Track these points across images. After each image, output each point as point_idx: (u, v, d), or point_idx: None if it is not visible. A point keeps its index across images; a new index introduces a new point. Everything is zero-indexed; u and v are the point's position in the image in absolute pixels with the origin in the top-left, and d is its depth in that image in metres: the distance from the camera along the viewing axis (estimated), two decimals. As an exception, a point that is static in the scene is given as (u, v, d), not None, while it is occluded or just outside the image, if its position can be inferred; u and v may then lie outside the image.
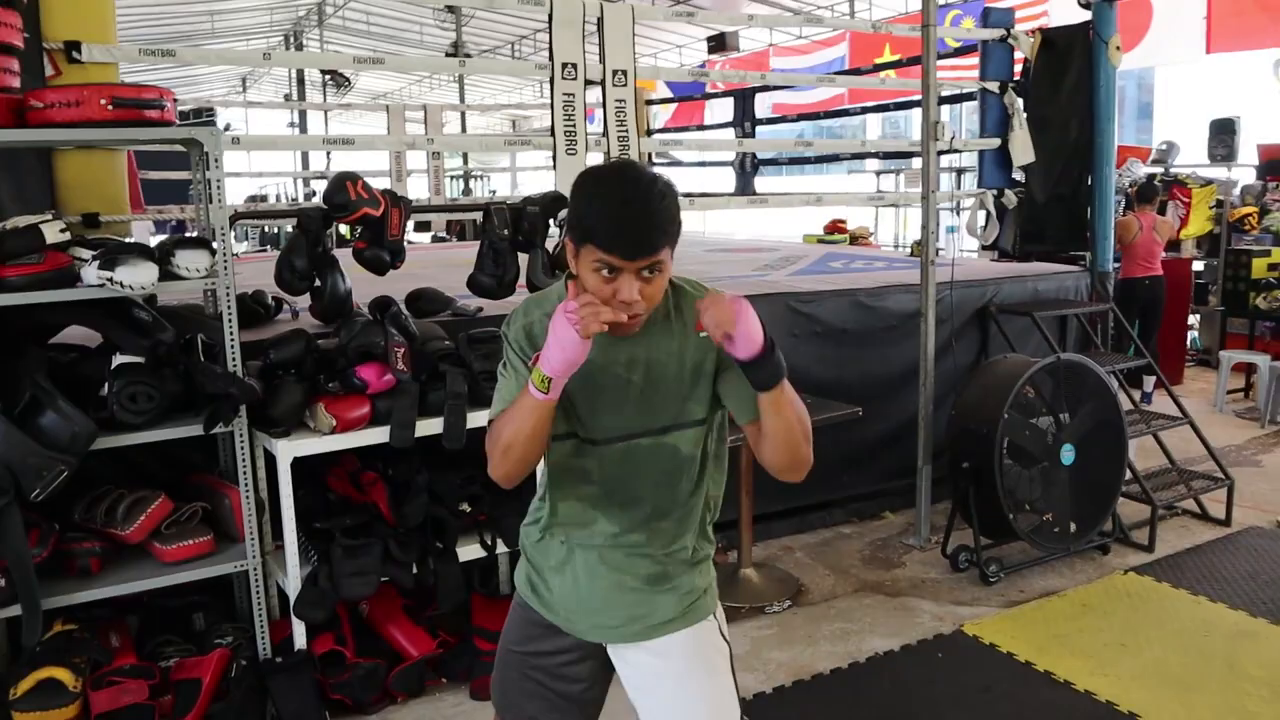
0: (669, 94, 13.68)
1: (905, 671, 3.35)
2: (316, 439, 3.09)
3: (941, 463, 4.34)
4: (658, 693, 1.80)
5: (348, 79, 19.00)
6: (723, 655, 1.87)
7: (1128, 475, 4.33)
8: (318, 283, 3.33)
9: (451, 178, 14.24)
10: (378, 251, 3.33)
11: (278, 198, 16.25)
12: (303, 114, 18.09)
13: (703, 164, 10.36)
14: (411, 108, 14.99)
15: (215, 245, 2.91)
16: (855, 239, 8.28)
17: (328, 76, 18.00)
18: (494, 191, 16.59)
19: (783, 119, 9.27)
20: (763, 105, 11.39)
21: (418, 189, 12.16)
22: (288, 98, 19.13)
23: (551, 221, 3.82)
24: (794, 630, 3.69)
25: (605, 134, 4.51)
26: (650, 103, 10.27)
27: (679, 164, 11.38)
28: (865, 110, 8.66)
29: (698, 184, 11.16)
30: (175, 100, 2.82)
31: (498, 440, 1.66)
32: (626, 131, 4.50)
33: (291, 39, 18.38)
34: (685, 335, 1.71)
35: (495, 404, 1.73)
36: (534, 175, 12.94)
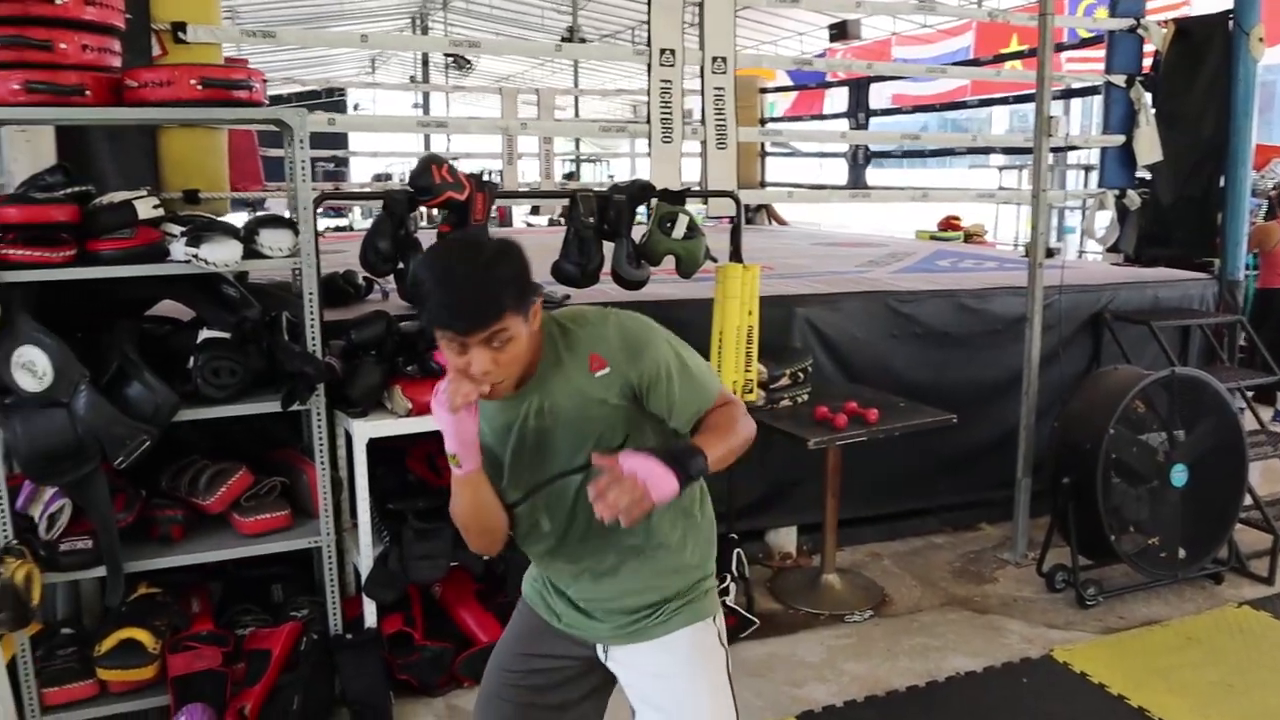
0: (789, 82, 13.43)
1: (986, 695, 3.18)
2: (392, 420, 3.11)
3: (1043, 476, 4.12)
4: (654, 689, 1.82)
5: (469, 62, 19.35)
6: (719, 658, 1.86)
7: (1247, 500, 4.02)
8: (401, 265, 3.34)
9: (576, 161, 14.36)
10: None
11: (401, 178, 16.67)
12: (426, 95, 18.51)
13: (822, 155, 10.11)
14: (531, 92, 15.11)
15: (299, 225, 2.94)
16: (970, 237, 7.94)
17: (450, 59, 18.38)
18: (612, 176, 16.61)
19: (899, 110, 8.96)
20: (883, 96, 11.08)
21: (531, 173, 12.28)
22: (413, 79, 19.62)
23: (641, 209, 3.76)
24: (873, 642, 3.55)
25: (703, 121, 4.42)
26: (765, 91, 10.06)
27: (797, 154, 11.14)
28: (983, 103, 8.30)
29: (811, 175, 10.93)
30: (265, 81, 2.87)
31: (459, 523, 1.74)
32: (724, 119, 4.40)
33: (417, 21, 18.76)
34: (581, 373, 1.69)
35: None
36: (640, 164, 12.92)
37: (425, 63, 18.34)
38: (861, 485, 4.32)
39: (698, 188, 4.38)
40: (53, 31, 2.66)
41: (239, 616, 3.18)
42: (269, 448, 3.42)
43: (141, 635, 2.90)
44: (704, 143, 4.42)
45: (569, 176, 13.39)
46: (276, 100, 18.67)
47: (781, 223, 9.38)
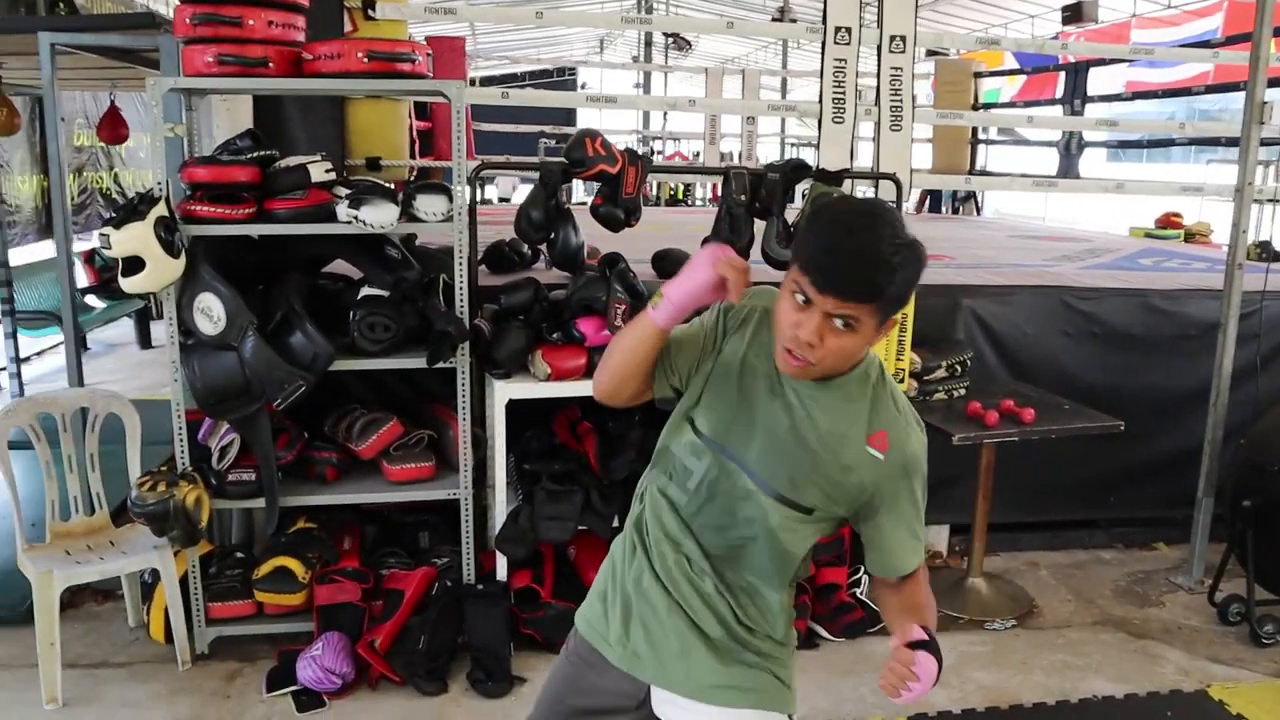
0: (1016, 65, 12.72)
1: (1122, 722, 2.97)
2: (532, 384, 3.23)
3: (1226, 497, 3.76)
4: None
5: (688, 43, 19.51)
6: None
7: None
8: (552, 235, 3.45)
9: (795, 145, 14.23)
10: (613, 209, 3.39)
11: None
12: (646, 75, 18.83)
13: (1049, 144, 9.55)
14: (768, 72, 15.04)
15: (454, 191, 3.10)
16: (1191, 236, 7.26)
17: (670, 39, 18.61)
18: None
19: (1117, 97, 8.30)
20: (1116, 81, 10.30)
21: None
22: (635, 59, 20.01)
23: (800, 187, 3.71)
24: (1009, 653, 3.38)
25: (877, 102, 4.28)
26: (979, 75, 9.59)
27: (1025, 142, 10.57)
28: (1209, 90, 7.53)
29: (1017, 164, 10.36)
30: (430, 55, 3.01)
31: (608, 358, 1.61)
32: (900, 101, 4.25)
33: (642, 3, 19.07)
34: (861, 430, 1.52)
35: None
36: (865, 145, 12.60)
37: (648, 43, 18.69)
38: (1023, 489, 4.11)
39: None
40: (243, 9, 2.91)
41: (384, 558, 3.41)
42: (426, 402, 3.64)
43: (294, 565, 3.16)
44: (877, 124, 4.28)
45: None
46: (510, 79, 19.58)
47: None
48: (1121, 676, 3.22)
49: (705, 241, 3.59)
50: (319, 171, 3.04)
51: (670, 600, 1.63)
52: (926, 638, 1.47)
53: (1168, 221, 7.56)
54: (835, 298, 1.37)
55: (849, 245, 1.37)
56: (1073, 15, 11.26)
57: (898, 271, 1.38)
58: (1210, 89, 7.54)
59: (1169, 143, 7.08)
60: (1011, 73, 11.49)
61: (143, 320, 7.42)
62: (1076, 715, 2.99)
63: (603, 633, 1.69)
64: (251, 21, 2.91)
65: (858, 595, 3.53)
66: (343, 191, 3.06)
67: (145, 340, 7.42)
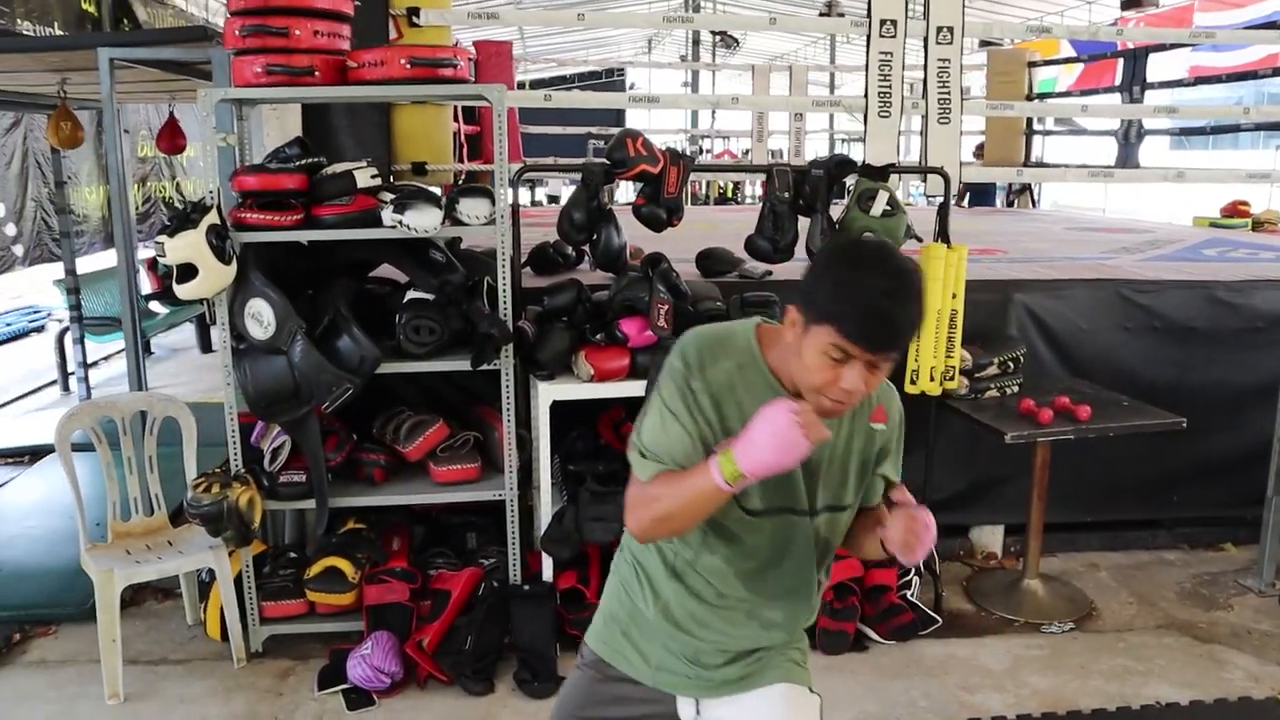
0: (1073, 53, 12.43)
1: (1184, 729, 2.88)
2: (576, 385, 3.24)
3: (1296, 496, 3.64)
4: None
5: (736, 39, 19.44)
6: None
7: None
8: (595, 236, 3.45)
9: (845, 140, 14.09)
10: (655, 209, 3.38)
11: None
12: (695, 74, 18.80)
13: (1107, 133, 9.31)
14: (816, 68, 14.93)
15: (496, 195, 3.12)
16: (1260, 225, 7.02)
17: (717, 37, 18.56)
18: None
19: (1178, 83, 8.04)
20: (1180, 67, 10.00)
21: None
22: (683, 58, 19.99)
23: (848, 182, 3.66)
24: (1067, 657, 3.30)
25: (925, 95, 4.21)
26: (1033, 65, 9.39)
27: (1082, 132, 10.30)
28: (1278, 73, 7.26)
29: (1076, 155, 10.12)
30: (472, 60, 3.03)
31: (654, 506, 1.53)
32: (948, 93, 4.17)
33: (689, 1, 19.03)
34: (864, 419, 1.65)
35: (652, 456, 1.56)
36: (913, 139, 12.44)
37: (696, 42, 18.67)
38: (1081, 488, 4.01)
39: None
40: (289, 19, 2.96)
41: (432, 558, 3.44)
42: (471, 404, 3.67)
43: (344, 565, 3.21)
44: (925, 117, 4.21)
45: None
46: (559, 81, 19.69)
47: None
48: (1186, 682, 3.12)
49: (748, 240, 3.58)
50: (364, 177, 3.08)
51: (719, 635, 1.71)
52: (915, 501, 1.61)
53: (1234, 210, 7.32)
54: (884, 352, 1.45)
55: (891, 310, 1.42)
56: (1131, 0, 10.97)
57: (924, 308, 1.47)
58: (1279, 71, 7.29)
59: (1234, 128, 6.86)
60: (1067, 61, 11.22)
61: (204, 325, 7.60)
62: (1136, 721, 2.91)
63: (631, 659, 1.76)
64: (298, 32, 2.96)
65: (908, 597, 3.47)
66: (387, 196, 3.10)
67: (206, 345, 7.61)
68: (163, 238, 2.87)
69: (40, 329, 9.23)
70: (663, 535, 1.62)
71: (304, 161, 3.09)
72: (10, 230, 7.19)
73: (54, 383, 6.79)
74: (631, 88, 23.02)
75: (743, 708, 1.72)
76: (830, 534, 1.69)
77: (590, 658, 1.83)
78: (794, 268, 3.68)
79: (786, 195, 3.47)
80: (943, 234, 3.55)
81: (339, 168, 3.09)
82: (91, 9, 6.77)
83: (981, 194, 9.67)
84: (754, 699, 1.72)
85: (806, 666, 1.80)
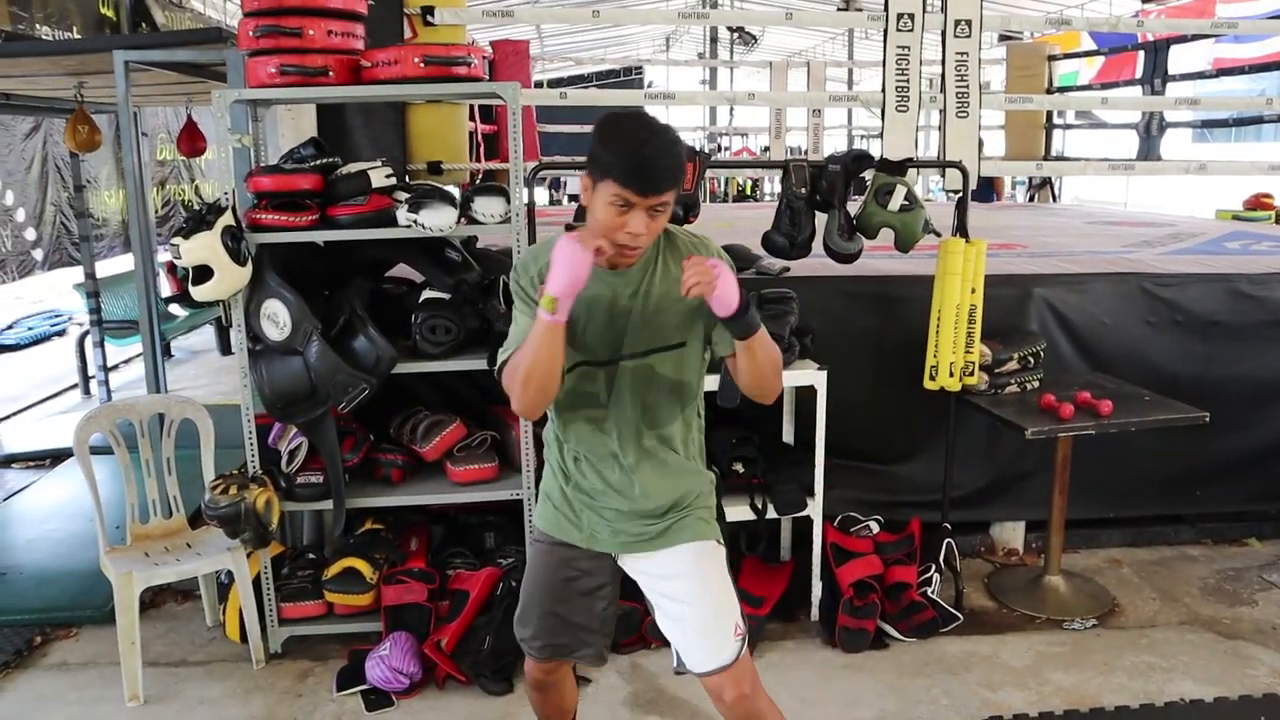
0: (1093, 46, 12.31)
1: (1210, 727, 2.84)
2: (592, 384, 3.22)
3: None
4: (669, 586, 2.04)
5: (754, 37, 19.41)
6: (719, 560, 2.08)
7: None
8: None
9: (864, 136, 14.04)
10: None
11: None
12: (713, 71, 18.78)
13: (1128, 126, 9.22)
14: (834, 64, 14.90)
15: (511, 193, 3.11)
16: (1283, 217, 6.94)
17: (735, 34, 18.54)
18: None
19: (1201, 74, 7.95)
20: (1202, 59, 9.89)
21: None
22: (701, 55, 19.96)
23: (866, 177, 3.63)
24: (1089, 654, 3.26)
25: (943, 89, 4.17)
26: (1053, 58, 9.31)
27: (1103, 125, 10.21)
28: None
29: (1097, 149, 10.04)
30: (486, 58, 3.03)
31: (516, 373, 1.85)
32: (966, 87, 4.13)
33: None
34: (664, 274, 1.91)
35: (507, 346, 1.94)
36: (930, 135, 12.38)
37: (714, 39, 18.64)
38: (1103, 484, 3.97)
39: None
40: (303, 20, 2.95)
41: (450, 558, 3.44)
42: (488, 403, 3.66)
43: (362, 565, 3.21)
44: (943, 111, 4.18)
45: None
46: (577, 80, 19.67)
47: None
48: (1210, 679, 3.08)
49: (765, 236, 3.55)
50: (379, 177, 3.08)
51: (618, 495, 2.02)
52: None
53: (1257, 203, 7.24)
54: (655, 194, 1.74)
55: (651, 153, 1.73)
56: (1152, -9, 10.87)
57: (680, 158, 1.79)
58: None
59: (1257, 120, 6.76)
60: (1088, 54, 11.12)
61: (223, 328, 7.63)
62: (1162, 719, 2.87)
63: (567, 529, 2.10)
64: (312, 32, 2.96)
65: (929, 595, 3.45)
66: (402, 196, 3.09)
67: (226, 347, 7.64)
68: (178, 239, 2.88)
69: (61, 333, 9.30)
70: (534, 397, 1.86)
71: (319, 162, 3.09)
72: (30, 234, 7.24)
73: (75, 386, 6.84)
74: (649, 86, 23.00)
75: (657, 561, 2.04)
76: (668, 373, 1.96)
77: (539, 534, 2.16)
78: (812, 264, 3.66)
79: (803, 191, 3.44)
80: (961, 228, 3.51)
81: (354, 168, 3.08)
82: (109, 13, 6.82)
83: (980, 189, 9.57)
84: (668, 554, 2.03)
85: (712, 522, 2.09)
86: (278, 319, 2.96)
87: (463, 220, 3.10)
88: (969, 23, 4.11)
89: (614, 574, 2.13)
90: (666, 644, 2.61)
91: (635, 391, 1.96)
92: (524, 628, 2.17)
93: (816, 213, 3.49)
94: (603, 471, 2.02)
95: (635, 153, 1.73)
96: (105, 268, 7.22)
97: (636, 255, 1.83)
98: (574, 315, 1.84)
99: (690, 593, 2.02)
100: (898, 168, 3.46)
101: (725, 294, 1.76)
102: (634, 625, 3.26)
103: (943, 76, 4.18)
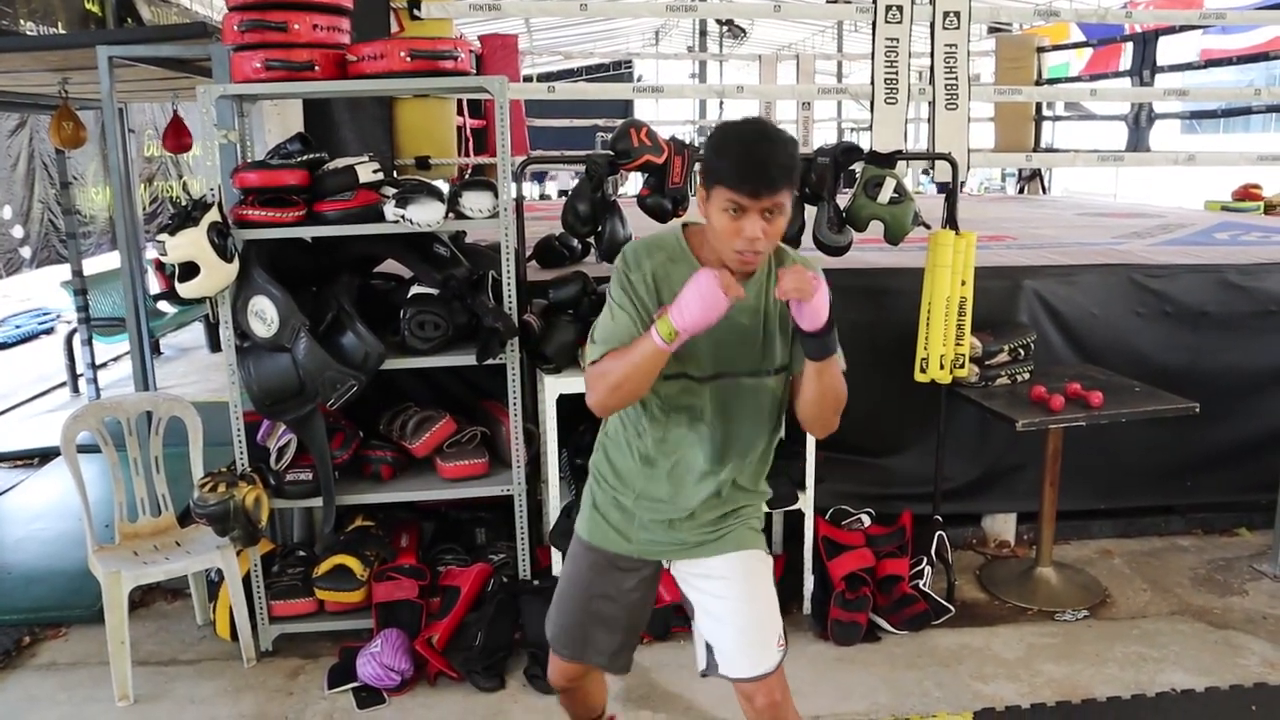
0: (1083, 38, 12.30)
1: (1200, 718, 2.85)
2: (582, 378, 3.20)
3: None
4: (714, 588, 2.03)
5: (743, 30, 19.34)
6: (767, 573, 2.08)
7: None
8: (600, 228, 3.42)
9: (854, 129, 13.99)
10: (660, 199, 3.35)
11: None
12: (702, 64, 18.73)
13: (1117, 117, 9.23)
14: (823, 56, 14.85)
15: (499, 188, 3.09)
16: (1271, 207, 6.95)
17: (724, 28, 18.48)
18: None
19: (1189, 65, 7.95)
20: (1190, 50, 9.90)
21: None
22: (690, 49, 19.90)
23: (855, 170, 3.63)
24: (1081, 645, 3.26)
25: (932, 81, 4.17)
26: (1042, 50, 9.31)
27: (1092, 117, 10.21)
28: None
29: (1086, 141, 10.05)
30: (473, 52, 3.01)
31: (607, 377, 1.84)
32: (955, 79, 4.13)
33: (695, -8, 18.92)
34: (771, 292, 1.88)
35: (601, 341, 1.89)
36: (919, 127, 12.36)
37: (703, 32, 18.59)
38: (1094, 475, 3.98)
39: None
40: (288, 14, 2.93)
41: (441, 555, 3.43)
42: (478, 398, 3.65)
43: (352, 562, 3.19)
44: (932, 103, 4.17)
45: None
46: (567, 74, 19.58)
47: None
48: (1202, 669, 3.09)
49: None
50: (366, 172, 3.06)
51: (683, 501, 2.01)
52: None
53: (1246, 193, 7.27)
54: (769, 195, 1.72)
55: (761, 153, 1.73)
56: (1142, -17, 10.85)
57: (792, 156, 1.76)
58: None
59: (1245, 111, 6.77)
60: (1077, 46, 11.12)
61: (213, 324, 7.58)
62: (1153, 709, 2.88)
63: (614, 539, 2.08)
64: (297, 26, 2.94)
65: (920, 587, 3.45)
66: (390, 191, 3.08)
67: (215, 344, 7.58)
68: (164, 236, 2.86)
69: (49, 331, 9.25)
70: (616, 403, 1.89)
71: (305, 157, 3.06)
72: (18, 232, 7.19)
73: (63, 385, 6.80)
74: (639, 80, 22.96)
75: (706, 565, 2.04)
76: (765, 397, 1.95)
77: (581, 546, 2.13)
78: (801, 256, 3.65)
79: (792, 184, 3.43)
80: (951, 220, 3.51)
81: (341, 163, 3.06)
82: (95, 9, 6.76)
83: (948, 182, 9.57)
84: (719, 560, 2.03)
85: (761, 533, 2.10)
86: (265, 315, 2.94)
87: (451, 215, 3.08)
88: (957, 14, 4.10)
89: (653, 581, 2.14)
90: (660, 639, 2.62)
91: (731, 411, 1.94)
92: (553, 628, 2.18)
93: (806, 205, 3.48)
94: (675, 481, 1.99)
95: (744, 154, 1.73)
96: (93, 265, 7.18)
97: (757, 261, 1.81)
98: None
99: (737, 597, 2.02)
100: (887, 160, 3.46)
101: (818, 306, 1.74)
102: (626, 620, 3.26)
103: (931, 69, 4.18)
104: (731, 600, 2.02)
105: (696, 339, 1.79)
